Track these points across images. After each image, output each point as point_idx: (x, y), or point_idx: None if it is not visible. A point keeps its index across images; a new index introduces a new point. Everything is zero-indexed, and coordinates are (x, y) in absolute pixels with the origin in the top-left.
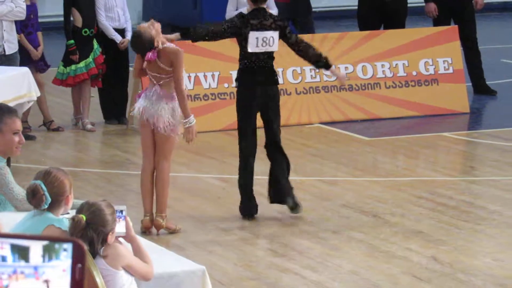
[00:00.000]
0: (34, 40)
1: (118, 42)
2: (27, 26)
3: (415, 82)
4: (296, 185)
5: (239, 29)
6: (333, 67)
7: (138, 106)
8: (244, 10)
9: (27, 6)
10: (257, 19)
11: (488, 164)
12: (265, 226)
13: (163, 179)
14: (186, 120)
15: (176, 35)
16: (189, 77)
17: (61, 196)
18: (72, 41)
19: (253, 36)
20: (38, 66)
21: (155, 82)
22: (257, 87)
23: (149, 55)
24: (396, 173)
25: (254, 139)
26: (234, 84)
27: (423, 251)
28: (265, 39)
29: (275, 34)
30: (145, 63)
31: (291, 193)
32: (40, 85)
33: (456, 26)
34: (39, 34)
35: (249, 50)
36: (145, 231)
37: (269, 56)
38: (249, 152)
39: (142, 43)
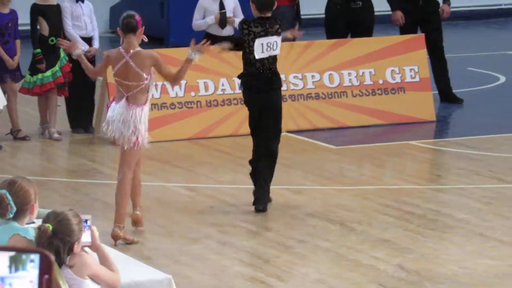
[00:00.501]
0: (10, 49)
1: (85, 50)
2: (3, 35)
3: (381, 90)
4: None
5: (247, 40)
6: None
7: (106, 119)
8: (211, 18)
9: (5, 15)
10: (260, 27)
11: (455, 172)
12: (232, 235)
13: (124, 189)
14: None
15: (227, 45)
16: (155, 85)
17: (26, 205)
18: (39, 50)
19: (258, 42)
20: (13, 75)
21: (124, 93)
22: (260, 92)
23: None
24: (363, 181)
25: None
26: (237, 88)
27: (389, 259)
28: (269, 44)
29: (278, 39)
30: (117, 69)
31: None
32: (13, 93)
33: (423, 34)
34: (17, 42)
35: (257, 57)
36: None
37: (274, 59)
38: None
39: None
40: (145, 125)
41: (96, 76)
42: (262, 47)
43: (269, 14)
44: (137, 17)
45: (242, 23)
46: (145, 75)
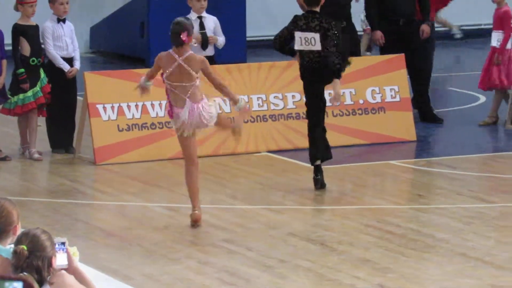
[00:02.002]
0: None
1: (66, 71)
2: None
3: (362, 110)
4: (244, 213)
5: (291, 30)
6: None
7: (181, 123)
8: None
9: None
10: (304, 20)
11: (435, 192)
12: (213, 255)
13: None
14: (237, 104)
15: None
16: (136, 105)
17: (9, 226)
18: (23, 70)
19: (297, 35)
20: None
21: (183, 95)
22: (312, 83)
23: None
24: (344, 201)
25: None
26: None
27: (370, 279)
28: (306, 39)
29: (316, 36)
30: (169, 72)
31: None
32: None
33: (403, 54)
34: (4, 62)
35: (295, 47)
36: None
37: (319, 55)
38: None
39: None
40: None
41: (151, 79)
42: (301, 41)
43: (316, 9)
44: (185, 25)
45: (294, 16)
46: (196, 75)
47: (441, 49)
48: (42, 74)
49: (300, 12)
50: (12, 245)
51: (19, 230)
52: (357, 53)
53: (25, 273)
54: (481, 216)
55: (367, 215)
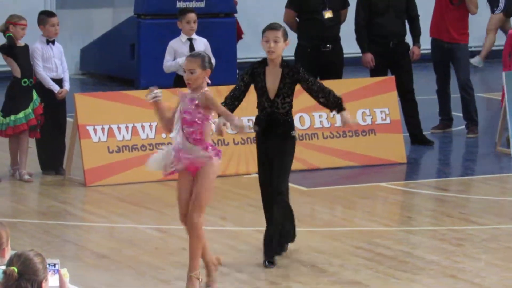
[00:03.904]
0: None
1: (55, 92)
2: None
3: (352, 132)
4: (234, 235)
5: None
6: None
7: None
8: (182, 59)
9: None
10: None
11: (425, 214)
12: (203, 276)
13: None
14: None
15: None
16: (126, 127)
17: None
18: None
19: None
20: None
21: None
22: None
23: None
24: (334, 223)
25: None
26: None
27: None
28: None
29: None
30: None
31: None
32: None
33: (393, 76)
34: None
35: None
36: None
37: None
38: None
39: None
40: None
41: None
42: None
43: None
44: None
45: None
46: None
47: (432, 71)
48: (35, 96)
49: (290, 33)
50: (3, 266)
51: (8, 252)
52: (340, 76)
53: None
54: (471, 238)
55: (357, 237)
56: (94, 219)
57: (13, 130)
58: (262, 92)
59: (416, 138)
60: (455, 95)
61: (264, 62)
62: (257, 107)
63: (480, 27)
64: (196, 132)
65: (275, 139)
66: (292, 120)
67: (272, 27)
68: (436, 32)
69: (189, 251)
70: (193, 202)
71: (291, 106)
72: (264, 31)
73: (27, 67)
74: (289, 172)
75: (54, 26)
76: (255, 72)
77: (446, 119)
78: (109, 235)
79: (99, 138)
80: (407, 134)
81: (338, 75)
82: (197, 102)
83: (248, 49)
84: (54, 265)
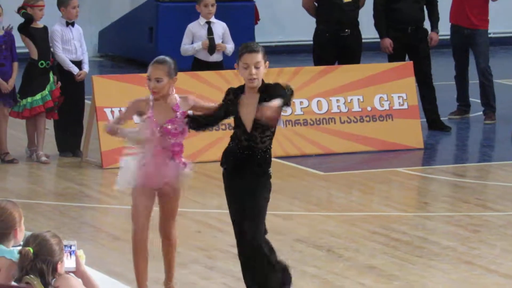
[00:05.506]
0: (5, 72)
1: (75, 74)
2: None
3: (369, 117)
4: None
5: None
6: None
7: None
8: (198, 44)
9: None
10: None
11: (442, 200)
12: (219, 260)
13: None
14: None
15: None
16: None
17: (9, 229)
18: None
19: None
20: (5, 100)
21: None
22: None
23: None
24: (350, 208)
25: None
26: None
27: (376, 286)
28: None
29: None
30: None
31: None
32: (5, 118)
33: (411, 62)
34: (15, 65)
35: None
36: None
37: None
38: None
39: None
40: None
41: None
42: None
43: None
44: None
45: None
46: None
47: (450, 56)
48: (51, 78)
49: (308, 17)
50: (17, 247)
51: (22, 232)
52: (358, 61)
53: (30, 275)
54: (488, 224)
55: (374, 222)
56: (110, 201)
57: (29, 112)
58: (237, 123)
59: (434, 123)
60: (472, 81)
61: (240, 89)
62: (232, 137)
63: (499, 14)
64: (178, 144)
65: (249, 178)
66: (271, 157)
67: (250, 49)
68: (456, 18)
69: (167, 262)
70: (171, 216)
71: (271, 140)
72: (241, 54)
73: (45, 48)
74: (265, 216)
75: (75, 8)
76: (230, 99)
77: (463, 105)
78: (126, 217)
79: None
80: (425, 119)
81: (356, 60)
82: (182, 110)
83: (265, 34)
84: (70, 246)
